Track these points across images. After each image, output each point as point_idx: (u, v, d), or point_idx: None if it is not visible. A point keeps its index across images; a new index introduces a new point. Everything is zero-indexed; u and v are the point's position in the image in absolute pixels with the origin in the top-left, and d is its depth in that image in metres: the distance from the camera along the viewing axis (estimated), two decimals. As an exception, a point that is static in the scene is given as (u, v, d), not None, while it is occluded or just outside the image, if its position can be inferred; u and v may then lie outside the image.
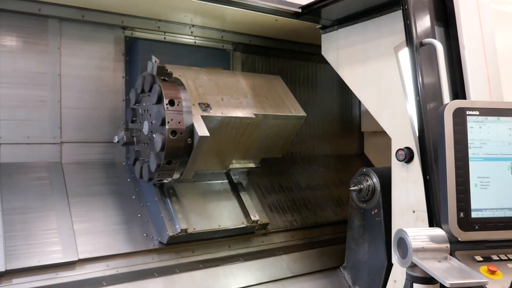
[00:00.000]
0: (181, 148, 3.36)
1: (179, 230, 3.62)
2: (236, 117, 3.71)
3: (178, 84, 3.49)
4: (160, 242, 3.71)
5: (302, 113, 4.17)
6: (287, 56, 5.17)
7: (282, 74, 5.05)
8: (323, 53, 3.92)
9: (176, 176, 3.56)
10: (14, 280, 3.10)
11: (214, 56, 4.53)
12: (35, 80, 3.73)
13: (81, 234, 3.46)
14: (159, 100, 3.38)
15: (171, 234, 3.60)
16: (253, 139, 4.02)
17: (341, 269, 4.24)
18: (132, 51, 4.15)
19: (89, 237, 3.48)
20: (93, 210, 3.64)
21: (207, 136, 3.36)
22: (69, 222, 3.47)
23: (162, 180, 3.56)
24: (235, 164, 4.12)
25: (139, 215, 3.81)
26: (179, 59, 4.22)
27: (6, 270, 3.05)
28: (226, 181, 4.22)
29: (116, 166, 4.02)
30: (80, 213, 3.57)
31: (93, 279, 3.35)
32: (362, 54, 3.51)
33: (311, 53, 5.20)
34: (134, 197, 3.89)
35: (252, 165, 4.23)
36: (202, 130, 3.37)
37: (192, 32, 4.38)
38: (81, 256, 3.35)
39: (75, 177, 3.76)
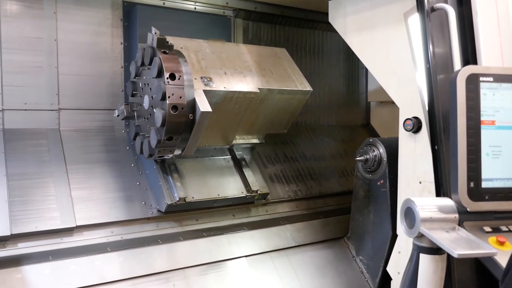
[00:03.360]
0: (182, 124, 3.31)
1: (178, 199, 3.62)
2: (239, 92, 3.66)
3: (179, 57, 3.42)
4: (159, 211, 3.72)
5: (308, 87, 4.11)
6: (293, 24, 5.09)
7: (288, 42, 5.02)
8: (330, 20, 3.84)
9: (177, 152, 3.53)
10: (20, 244, 3.18)
11: (214, 23, 4.45)
12: (31, 45, 3.68)
13: (79, 201, 3.48)
14: (160, 74, 3.31)
15: (169, 202, 3.61)
16: (257, 114, 3.98)
17: (345, 240, 4.28)
18: (131, 17, 4.07)
19: (87, 204, 3.51)
20: (91, 178, 3.65)
21: (209, 111, 3.30)
22: (67, 189, 3.49)
23: (163, 156, 3.54)
24: (239, 140, 4.10)
25: (138, 183, 3.81)
26: (178, 26, 4.16)
27: (11, 234, 3.13)
28: (229, 156, 4.20)
29: (115, 134, 4.01)
30: (78, 180, 3.59)
31: (98, 245, 3.40)
32: (371, 21, 3.45)
33: (318, 20, 5.13)
34: (133, 165, 3.90)
35: (256, 140, 4.21)
36: (204, 105, 3.31)
37: (194, -3, 4.32)
38: (79, 223, 3.38)
39: (73, 144, 3.76)
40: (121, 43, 4.06)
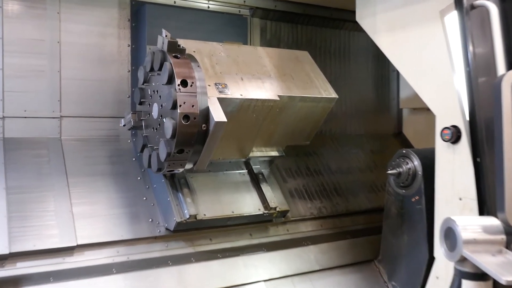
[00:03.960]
0: (194, 135, 3.30)
1: (188, 216, 3.62)
2: (257, 100, 3.64)
3: (192, 61, 3.42)
4: (167, 229, 3.73)
5: (333, 94, 4.08)
6: (317, 23, 5.10)
7: (310, 44, 5.03)
8: (358, 19, 3.84)
9: (188, 166, 3.52)
10: (19, 264, 3.18)
11: (229, 23, 4.48)
12: (32, 48, 3.75)
13: (80, 217, 3.51)
14: (170, 80, 3.32)
15: (178, 220, 3.61)
16: (277, 124, 3.97)
17: (376, 263, 4.23)
18: (139, 16, 4.12)
19: (89, 221, 3.53)
20: (94, 192, 3.69)
21: (224, 121, 3.30)
22: (68, 204, 3.52)
23: (173, 170, 3.53)
24: (256, 153, 4.08)
25: (144, 198, 3.84)
26: (190, 26, 4.20)
27: (10, 253, 3.15)
28: (245, 171, 4.20)
29: (121, 144, 4.04)
30: (80, 194, 3.62)
31: (102, 266, 3.41)
32: (403, 20, 3.42)
33: (344, 19, 5.15)
34: (139, 178, 3.93)
35: (275, 153, 4.19)
36: (218, 114, 3.30)
37: (208, -5, 4.36)
38: (80, 242, 3.39)
39: (75, 155, 3.80)
40: (129, 45, 4.11)
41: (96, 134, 3.97)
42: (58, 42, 3.82)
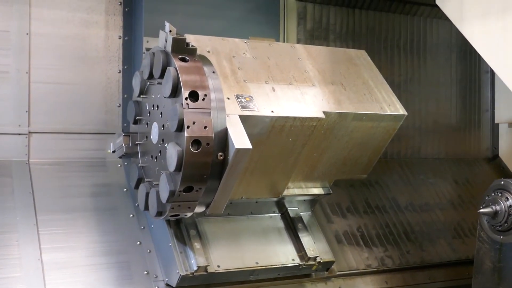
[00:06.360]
0: (207, 166, 3.20)
1: (195, 268, 3.54)
2: (295, 118, 3.57)
3: (204, 65, 3.35)
4: (168, 285, 3.68)
5: (400, 110, 3.99)
6: (381, 7, 5.07)
7: (372, 35, 5.02)
8: (438, 1, 3.89)
9: (199, 209, 3.45)
10: None
11: (255, 8, 4.41)
12: (-7, 41, 3.76)
13: (52, 268, 3.48)
14: (175, 92, 3.24)
15: (182, 273, 3.53)
16: (322, 151, 3.91)
17: (462, 336, 4.12)
18: (134, -1, 4.11)
19: (64, 273, 3.49)
20: (71, 234, 3.68)
21: (249, 148, 3.20)
22: (36, 250, 3.51)
23: (178, 215, 3.47)
24: (293, 190, 4.04)
25: (138, 242, 3.83)
26: (203, 14, 4.19)
27: None
28: (277, 214, 4.18)
29: (108, 169, 4.05)
30: (53, 237, 3.62)
31: None
32: (503, 2, 3.40)
33: (419, 2, 5.15)
34: (131, 215, 3.94)
35: (319, 190, 4.14)
36: (240, 139, 3.21)
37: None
38: (52, 302, 3.32)
39: (47, 184, 3.82)
40: (120, 37, 4.11)
41: (75, 156, 3.97)
42: (27, 33, 3.84)
